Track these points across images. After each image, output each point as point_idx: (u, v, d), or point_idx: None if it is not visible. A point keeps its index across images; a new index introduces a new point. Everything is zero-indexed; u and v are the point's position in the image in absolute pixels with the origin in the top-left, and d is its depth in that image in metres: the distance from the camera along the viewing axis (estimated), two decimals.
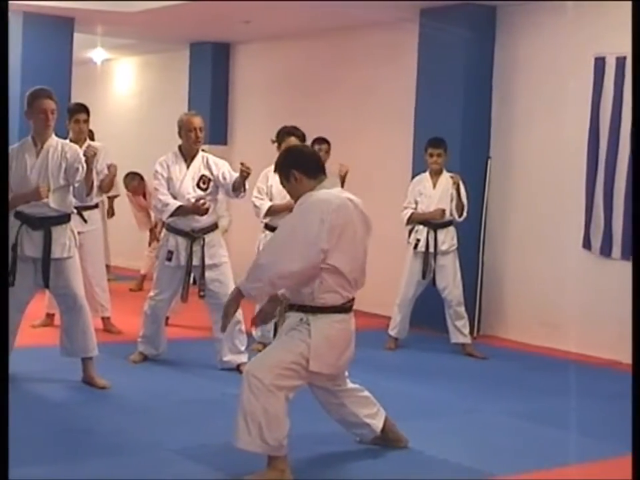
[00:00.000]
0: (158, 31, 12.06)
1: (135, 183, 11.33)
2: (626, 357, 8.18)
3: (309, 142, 8.32)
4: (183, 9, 10.12)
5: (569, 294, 8.61)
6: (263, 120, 11.95)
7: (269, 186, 7.96)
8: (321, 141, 9.20)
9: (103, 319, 8.54)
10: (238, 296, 4.85)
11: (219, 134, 12.40)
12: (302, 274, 4.71)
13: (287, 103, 11.67)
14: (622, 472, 5.24)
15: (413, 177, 8.87)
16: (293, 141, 7.94)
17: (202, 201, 7.14)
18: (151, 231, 11.24)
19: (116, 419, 5.93)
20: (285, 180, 4.97)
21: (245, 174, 7.01)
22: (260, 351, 7.96)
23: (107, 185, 8.31)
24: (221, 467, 5.05)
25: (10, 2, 9.96)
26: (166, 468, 5.03)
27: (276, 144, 8.06)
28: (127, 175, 11.29)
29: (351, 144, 10.27)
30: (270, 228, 8.00)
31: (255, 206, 7.98)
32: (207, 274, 7.23)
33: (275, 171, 5.23)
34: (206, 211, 7.17)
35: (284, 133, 7.97)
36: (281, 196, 7.82)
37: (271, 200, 7.93)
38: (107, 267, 10.11)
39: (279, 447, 4.79)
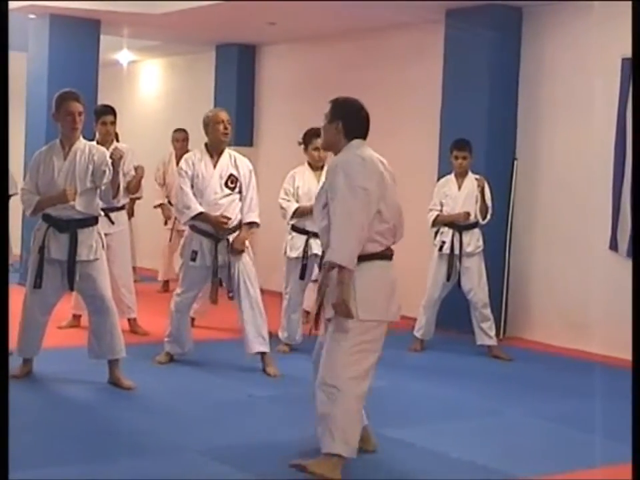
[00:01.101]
0: (183, 33, 12.09)
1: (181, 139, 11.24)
2: None
3: None
4: (208, 10, 10.15)
5: (595, 295, 8.58)
6: (288, 121, 11.97)
7: (295, 187, 7.98)
8: None
9: (129, 320, 8.57)
10: (345, 273, 4.76)
11: (244, 135, 12.42)
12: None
13: (312, 105, 11.61)
14: None
15: (438, 179, 8.86)
16: (319, 142, 7.96)
17: (225, 218, 7.11)
18: (162, 207, 11.13)
19: (142, 420, 5.95)
20: (328, 123, 5.26)
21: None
22: (285, 352, 8.04)
23: (134, 187, 8.34)
24: (247, 468, 5.06)
25: (37, 2, 10.15)
26: (192, 469, 5.05)
27: (302, 146, 8.08)
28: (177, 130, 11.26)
29: (376, 146, 10.20)
30: (296, 229, 8.01)
31: (282, 207, 8.00)
32: (237, 273, 7.22)
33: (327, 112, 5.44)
34: (225, 224, 7.14)
35: (311, 135, 7.99)
36: (307, 197, 7.85)
37: (297, 201, 7.95)
38: (133, 268, 10.15)
39: (355, 448, 4.90)
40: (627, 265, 8.45)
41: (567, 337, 8.82)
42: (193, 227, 7.31)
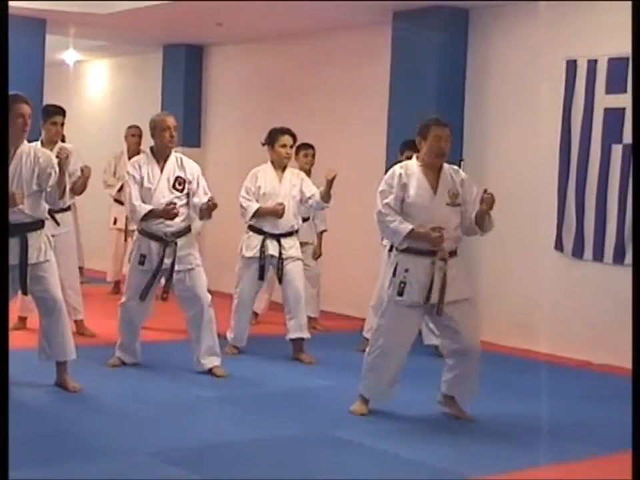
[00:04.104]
0: (130, 33, 12.02)
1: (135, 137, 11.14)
2: (597, 358, 8.26)
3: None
4: (155, 10, 10.10)
5: (541, 295, 8.67)
6: (236, 122, 11.96)
7: (257, 186, 7.94)
8: (307, 146, 9.24)
9: (75, 321, 8.49)
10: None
11: (192, 136, 12.38)
12: None
13: (261, 106, 11.67)
14: (595, 473, 5.30)
15: None
16: (287, 139, 7.96)
17: (172, 205, 7.05)
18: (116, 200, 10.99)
19: (91, 423, 5.91)
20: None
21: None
22: (234, 353, 8.02)
23: (79, 188, 8.26)
24: (197, 470, 5.04)
25: None
26: (142, 471, 5.01)
27: (267, 145, 8.02)
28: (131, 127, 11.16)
29: (324, 146, 10.27)
30: (254, 229, 7.97)
31: (242, 206, 7.94)
32: (178, 278, 7.18)
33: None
34: (176, 215, 7.07)
35: (277, 133, 7.98)
36: (270, 197, 7.84)
37: (257, 201, 7.92)
38: (80, 269, 10.07)
39: None
40: (573, 265, 8.57)
41: (514, 336, 8.88)
42: (141, 231, 7.27)
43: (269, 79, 11.63)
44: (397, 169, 6.20)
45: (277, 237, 7.92)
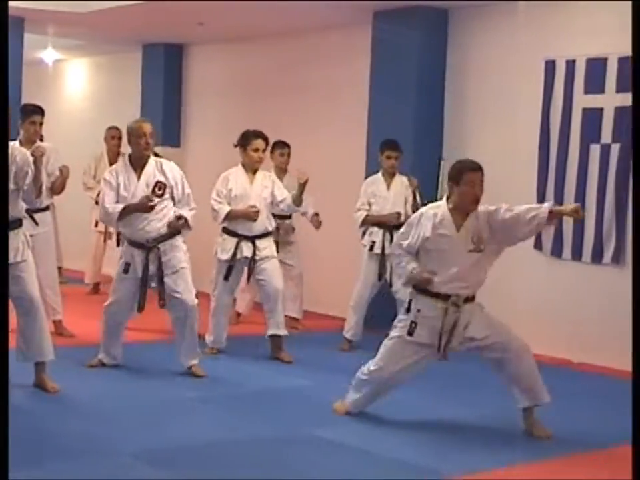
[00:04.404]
0: (110, 32, 11.99)
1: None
2: (577, 356, 8.29)
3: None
4: (135, 10, 10.07)
5: (520, 294, 8.70)
6: (216, 122, 11.94)
7: (228, 189, 7.92)
8: (282, 145, 9.22)
9: (54, 322, 8.46)
10: None
11: (171, 136, 12.36)
12: None
13: (241, 105, 11.66)
14: (575, 470, 5.32)
15: (366, 178, 8.89)
16: (260, 143, 7.92)
17: (146, 198, 6.97)
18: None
19: (70, 424, 5.88)
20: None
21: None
22: (213, 353, 8.00)
23: (58, 187, 8.24)
24: (178, 470, 5.04)
25: None
26: (122, 472, 5.01)
27: (239, 147, 8.00)
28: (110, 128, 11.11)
29: (305, 145, 10.28)
30: (228, 231, 7.97)
31: (214, 209, 7.92)
32: (165, 282, 7.12)
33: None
34: (151, 209, 6.99)
35: (249, 136, 7.94)
36: (240, 200, 7.83)
37: (229, 204, 7.90)
38: (59, 269, 10.03)
39: None
40: (552, 264, 8.60)
41: None
42: (126, 239, 7.21)
43: (249, 79, 11.62)
44: (429, 210, 6.02)
45: (251, 239, 7.91)
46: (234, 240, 7.90)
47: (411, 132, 9.30)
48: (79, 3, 10.22)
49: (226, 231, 7.96)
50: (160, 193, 7.06)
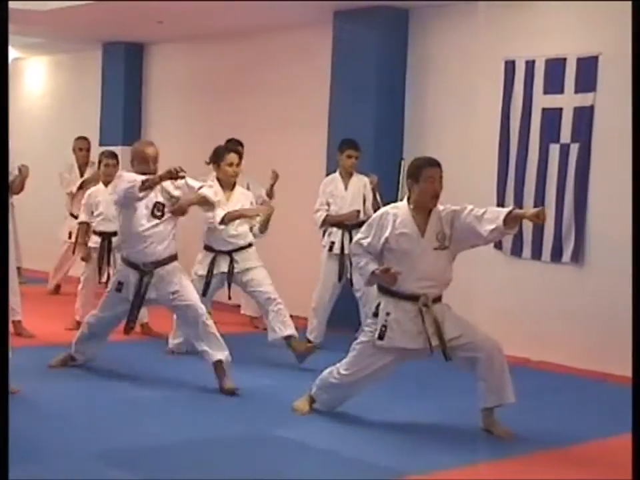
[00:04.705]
0: (70, 31, 11.91)
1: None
2: (535, 355, 8.35)
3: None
4: (95, 8, 10.01)
5: (480, 293, 8.75)
6: (177, 121, 11.91)
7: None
8: (235, 142, 9.18)
9: (13, 322, 8.39)
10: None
11: (132, 134, 12.28)
12: None
13: (202, 104, 11.64)
14: (535, 470, 5.36)
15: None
16: (234, 157, 7.81)
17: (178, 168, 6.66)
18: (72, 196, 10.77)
19: (30, 425, 5.82)
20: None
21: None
22: (173, 353, 7.94)
23: (17, 187, 8.18)
24: (140, 471, 5.03)
25: None
26: (83, 473, 4.98)
27: (212, 164, 7.88)
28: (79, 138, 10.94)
29: (265, 145, 10.28)
30: (207, 247, 7.89)
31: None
32: (166, 303, 7.05)
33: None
34: (179, 177, 6.68)
35: (222, 151, 7.85)
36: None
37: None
38: (18, 269, 9.95)
39: None
40: (511, 263, 8.66)
41: None
42: (122, 259, 7.10)
43: (210, 78, 11.59)
44: (389, 209, 6.01)
45: (229, 253, 7.87)
46: (211, 255, 7.86)
47: (372, 131, 9.32)
48: (38, 2, 10.14)
49: (206, 247, 7.88)
50: (159, 214, 6.91)
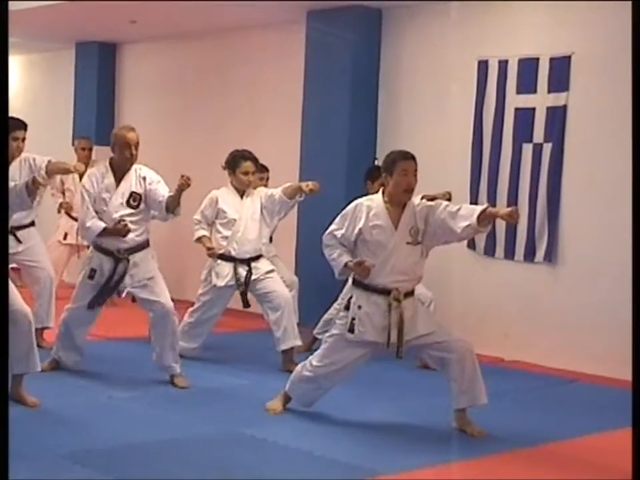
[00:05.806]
0: (42, 30, 11.85)
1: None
2: (509, 355, 8.37)
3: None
4: (67, 8, 9.98)
5: (453, 292, 8.75)
6: (150, 121, 11.83)
7: (218, 209, 7.78)
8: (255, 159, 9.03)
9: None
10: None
11: (105, 134, 12.14)
12: None
13: (175, 104, 11.60)
14: (505, 469, 5.37)
15: (300, 177, 8.89)
16: (249, 165, 7.71)
17: (123, 222, 6.81)
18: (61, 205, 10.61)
19: None
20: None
21: (183, 187, 6.69)
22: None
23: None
24: (109, 471, 4.99)
25: None
26: (52, 473, 4.95)
27: (227, 170, 7.78)
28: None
29: (239, 143, 10.23)
30: (224, 257, 7.75)
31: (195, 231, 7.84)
32: (139, 293, 7.01)
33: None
34: (127, 232, 6.83)
35: (238, 158, 7.74)
36: (236, 223, 7.71)
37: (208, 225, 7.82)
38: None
39: None
40: (484, 263, 8.68)
41: None
42: (95, 245, 7.05)
43: (183, 77, 11.56)
44: (363, 201, 5.99)
45: (247, 261, 7.75)
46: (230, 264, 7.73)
47: (346, 131, 9.32)
48: (11, 2, 10.05)
49: (221, 256, 7.72)
50: (134, 204, 6.91)
